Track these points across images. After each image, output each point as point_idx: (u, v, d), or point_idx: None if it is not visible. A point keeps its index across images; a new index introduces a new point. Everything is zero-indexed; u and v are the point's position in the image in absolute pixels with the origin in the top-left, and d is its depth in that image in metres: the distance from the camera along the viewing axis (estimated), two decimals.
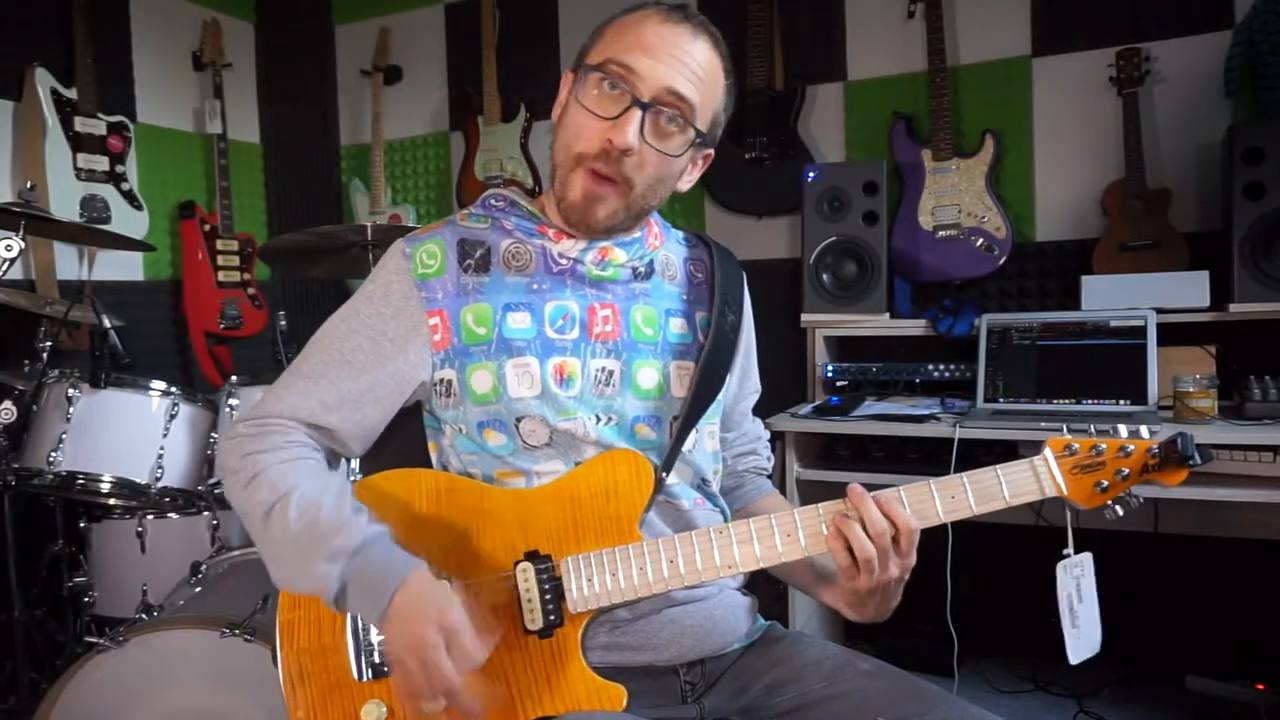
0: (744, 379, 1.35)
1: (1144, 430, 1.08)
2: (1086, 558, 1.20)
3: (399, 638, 0.97)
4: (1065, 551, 1.19)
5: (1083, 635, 1.21)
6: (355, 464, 1.27)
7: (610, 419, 1.17)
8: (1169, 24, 2.55)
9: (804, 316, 2.71)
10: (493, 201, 1.24)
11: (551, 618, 1.09)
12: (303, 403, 1.13)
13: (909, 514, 1.05)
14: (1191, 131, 2.54)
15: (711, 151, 1.23)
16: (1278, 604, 2.39)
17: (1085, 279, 2.43)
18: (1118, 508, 1.08)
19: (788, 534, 1.08)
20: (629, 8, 1.15)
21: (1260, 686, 2.25)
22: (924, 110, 2.78)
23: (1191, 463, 1.03)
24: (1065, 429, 1.10)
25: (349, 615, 1.10)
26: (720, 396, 1.26)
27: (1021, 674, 2.62)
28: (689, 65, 1.11)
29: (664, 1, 1.15)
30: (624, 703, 1.08)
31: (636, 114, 1.09)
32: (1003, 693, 2.56)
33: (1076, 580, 1.20)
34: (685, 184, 1.23)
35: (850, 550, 1.04)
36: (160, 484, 2.21)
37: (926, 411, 2.33)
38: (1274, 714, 2.19)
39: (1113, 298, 2.37)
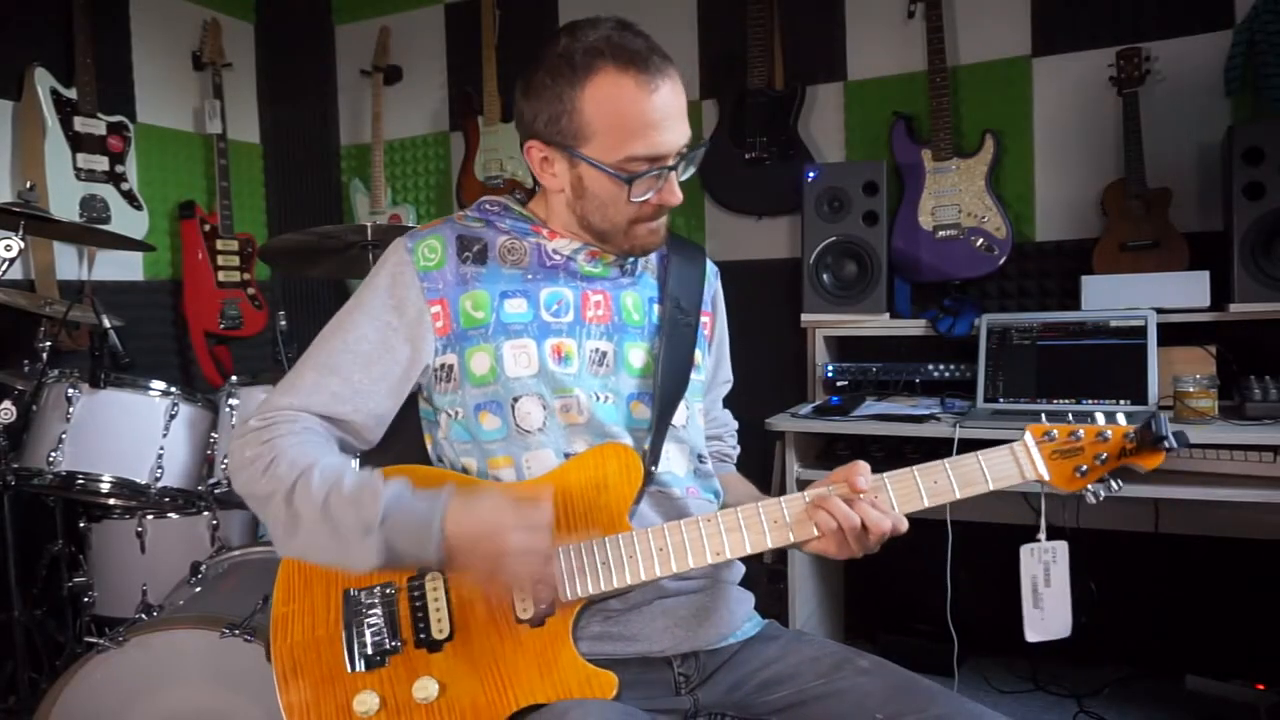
0: (717, 368, 1.41)
1: (1120, 416, 1.12)
2: (1061, 546, 1.24)
3: (479, 560, 1.03)
4: (1038, 537, 1.22)
5: (1046, 616, 1.24)
6: (355, 461, 1.28)
7: (608, 397, 1.21)
8: (1169, 24, 2.55)
9: (804, 316, 2.71)
10: (487, 206, 1.29)
11: (543, 606, 1.11)
12: (314, 395, 1.15)
13: (880, 514, 1.08)
14: (1191, 131, 2.54)
15: None
16: (1278, 604, 2.39)
17: (1085, 279, 2.44)
18: (1100, 490, 1.11)
19: (774, 521, 1.11)
20: (588, 57, 1.12)
21: (1260, 686, 2.25)
22: (924, 110, 2.78)
23: (1165, 444, 1.05)
24: (1044, 418, 1.13)
25: (343, 609, 1.14)
26: (699, 377, 1.31)
27: (1021, 674, 2.62)
28: (682, 110, 1.17)
29: (621, 44, 1.13)
30: (615, 689, 1.10)
31: (674, 175, 1.17)
32: (1003, 693, 2.56)
33: (1046, 565, 1.24)
34: None
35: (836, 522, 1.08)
36: (160, 484, 2.20)
37: (926, 411, 2.33)
38: (1274, 714, 2.19)
39: (1113, 298, 2.37)
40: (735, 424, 1.49)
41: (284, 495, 1.07)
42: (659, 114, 1.13)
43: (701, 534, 1.11)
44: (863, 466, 1.10)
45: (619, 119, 1.13)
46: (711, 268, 1.39)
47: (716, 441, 1.45)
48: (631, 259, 1.27)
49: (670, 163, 1.16)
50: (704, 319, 1.34)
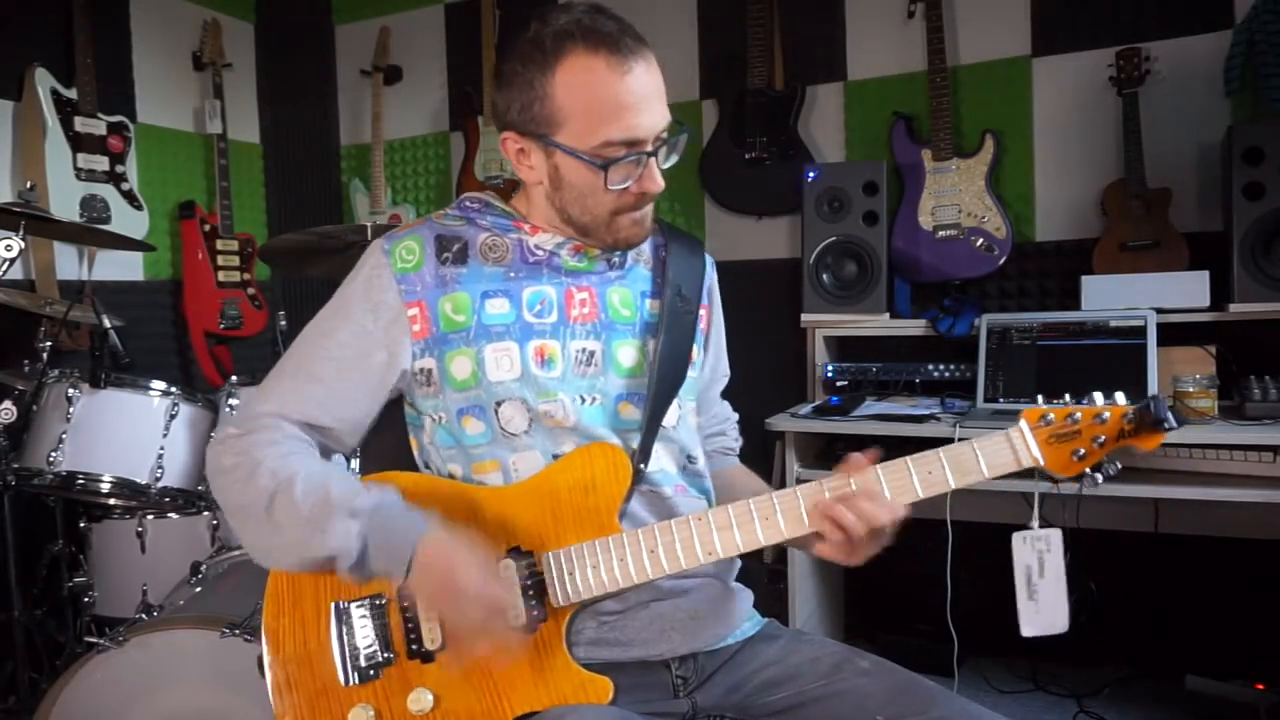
0: (715, 363, 1.39)
1: (1120, 397, 1.08)
2: (1055, 535, 1.20)
3: (436, 587, 1.04)
4: (1030, 524, 1.19)
5: (1041, 609, 1.20)
6: (355, 464, 1.27)
7: (594, 399, 1.18)
8: (1169, 24, 2.55)
9: (804, 316, 2.71)
10: (468, 203, 1.26)
11: (535, 613, 1.10)
12: (292, 401, 1.14)
13: (880, 507, 1.06)
14: (1191, 131, 2.53)
15: None
16: (1278, 604, 2.39)
17: (1085, 279, 2.43)
18: (1097, 475, 1.07)
19: (766, 518, 1.09)
20: (558, 41, 1.10)
21: (1260, 686, 2.25)
22: (924, 110, 2.77)
23: (1165, 425, 1.04)
24: (1040, 400, 1.10)
25: (332, 619, 1.12)
26: (694, 374, 1.28)
27: (1021, 674, 2.62)
28: (660, 92, 1.14)
29: (592, 26, 1.11)
30: (610, 695, 1.09)
31: (654, 162, 1.14)
32: (1003, 693, 2.56)
33: (1040, 555, 1.20)
34: None
35: (842, 529, 1.06)
36: (160, 484, 2.20)
37: (926, 411, 2.33)
38: (1274, 714, 2.19)
39: (1113, 298, 2.37)
40: (735, 415, 1.47)
41: (264, 506, 1.06)
42: (633, 96, 1.10)
43: (693, 533, 1.10)
44: (857, 460, 1.09)
45: (591, 102, 1.10)
46: (708, 258, 1.37)
47: (719, 437, 1.43)
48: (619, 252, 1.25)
49: (648, 148, 1.13)
50: (701, 311, 1.31)
